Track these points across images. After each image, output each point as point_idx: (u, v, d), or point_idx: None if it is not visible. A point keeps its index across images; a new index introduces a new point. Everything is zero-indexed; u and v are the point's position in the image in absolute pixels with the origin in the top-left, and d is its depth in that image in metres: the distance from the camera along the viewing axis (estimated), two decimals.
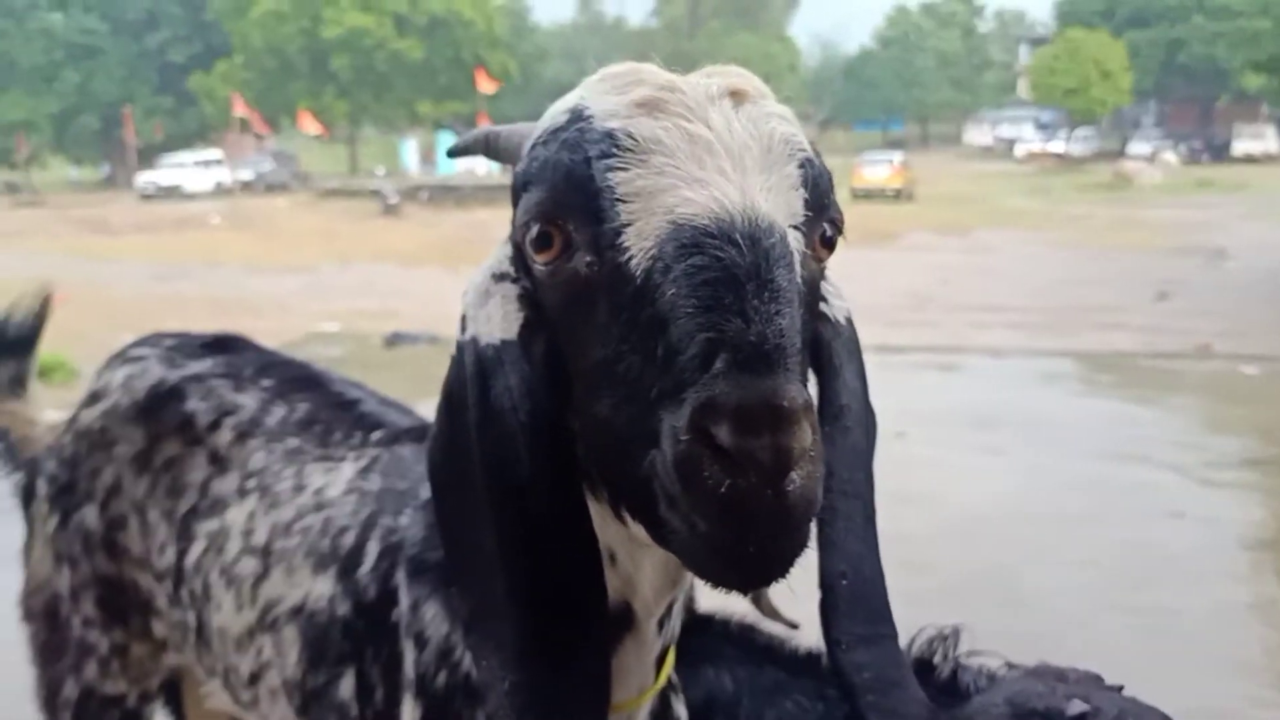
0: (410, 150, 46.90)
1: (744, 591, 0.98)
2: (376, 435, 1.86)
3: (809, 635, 2.19)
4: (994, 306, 14.35)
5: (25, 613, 2.23)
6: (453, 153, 1.36)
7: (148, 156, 47.18)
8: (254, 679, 1.80)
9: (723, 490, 0.82)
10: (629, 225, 0.95)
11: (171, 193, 40.14)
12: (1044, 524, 5.85)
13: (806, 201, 1.01)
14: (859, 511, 1.15)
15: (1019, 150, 52.47)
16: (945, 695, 2.01)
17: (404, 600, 1.50)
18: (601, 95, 1.03)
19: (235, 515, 1.87)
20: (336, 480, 1.79)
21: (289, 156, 47.79)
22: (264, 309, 14.14)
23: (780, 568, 0.92)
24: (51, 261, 17.53)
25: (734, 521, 0.84)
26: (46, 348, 2.49)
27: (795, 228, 0.99)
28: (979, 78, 68.28)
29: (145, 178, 41.66)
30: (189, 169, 42.25)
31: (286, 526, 1.79)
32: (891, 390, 9.51)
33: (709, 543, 0.87)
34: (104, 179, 52.29)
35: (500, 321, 1.12)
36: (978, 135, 66.45)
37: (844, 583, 1.13)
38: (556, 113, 1.08)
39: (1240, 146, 48.79)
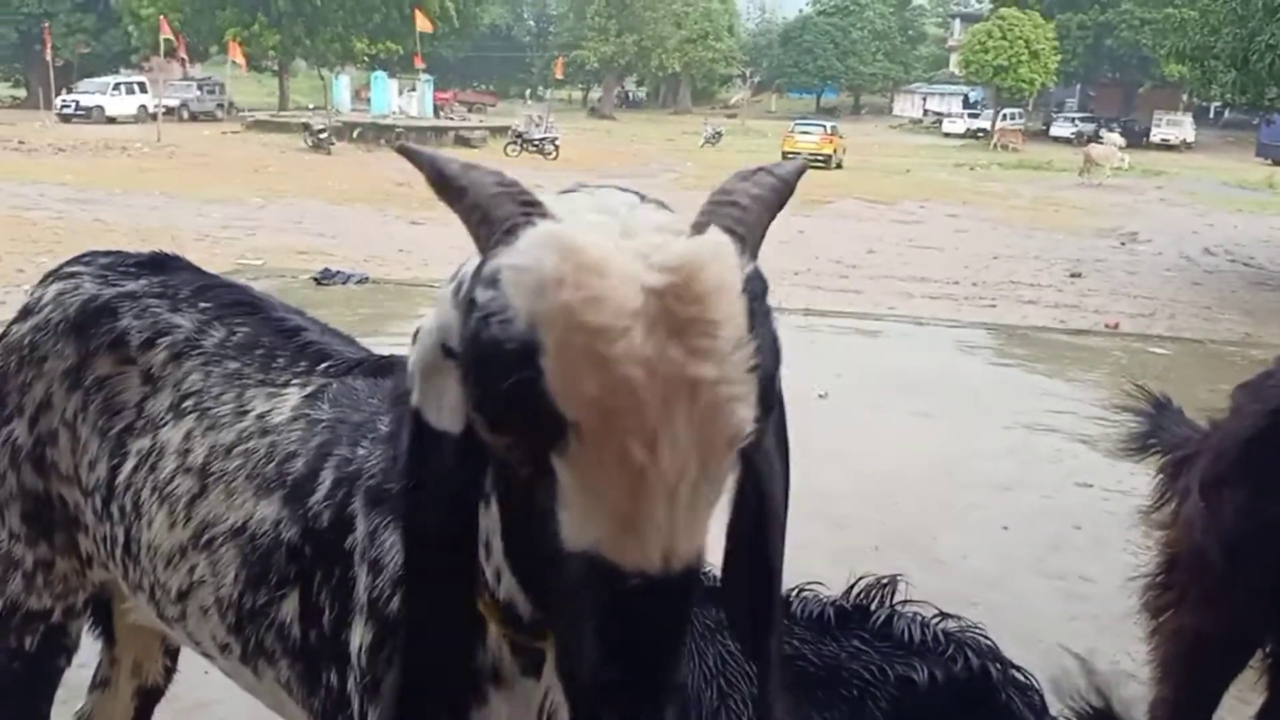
0: (343, 87, 45.88)
1: None
2: (324, 365, 1.86)
3: None
4: (917, 277, 14.63)
5: None
6: (400, 150, 1.20)
7: (67, 77, 45.52)
8: (183, 595, 1.82)
9: None
10: (565, 507, 0.95)
11: (92, 115, 38.92)
12: (961, 487, 6.05)
13: (737, 452, 0.99)
14: (779, 567, 1.22)
15: (957, 128, 53.16)
16: (880, 640, 2.14)
17: (360, 528, 1.53)
18: (561, 345, 0.91)
19: (171, 434, 1.87)
20: (281, 406, 1.79)
21: (216, 85, 46.54)
22: (188, 240, 13.83)
23: None
24: None
25: None
26: None
27: (717, 500, 1.02)
28: (912, 51, 68.79)
29: (65, 98, 40.30)
30: (111, 92, 40.98)
31: (227, 449, 1.79)
32: (816, 353, 9.59)
33: None
34: (21, 98, 50.32)
35: (448, 413, 1.10)
36: (908, 108, 67.14)
37: (774, 653, 1.26)
38: (510, 298, 0.94)
39: (1159, 133, 50.06)
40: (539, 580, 1.07)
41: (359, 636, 1.51)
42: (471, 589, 1.20)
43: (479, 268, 1.00)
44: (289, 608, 1.66)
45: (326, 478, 1.63)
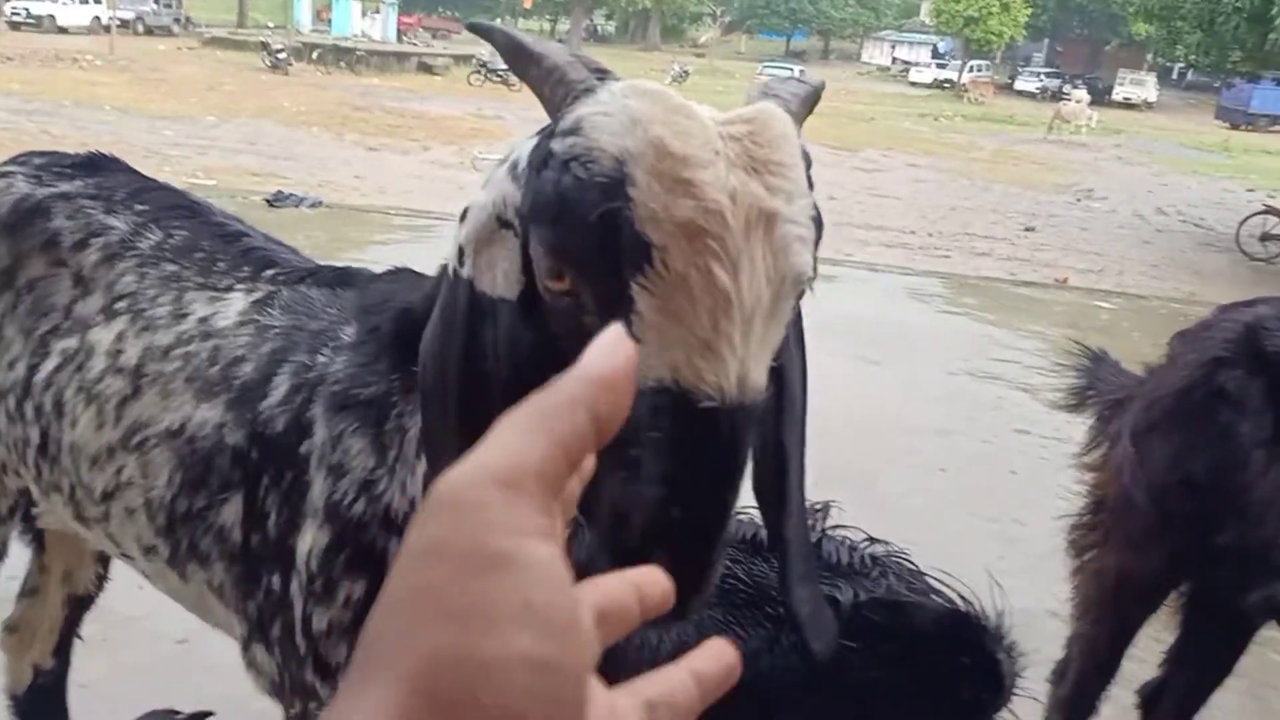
0: (304, 7, 44.80)
1: None
2: (271, 272, 1.84)
3: None
4: (875, 225, 14.70)
5: None
6: (471, 27, 1.29)
7: None
8: (108, 496, 1.81)
9: None
10: (639, 341, 0.96)
11: (43, 24, 37.86)
12: (903, 431, 6.14)
13: (794, 313, 1.06)
14: (800, 475, 1.28)
15: (924, 78, 53.32)
16: None
17: (320, 433, 1.54)
18: (650, 174, 0.97)
19: (101, 335, 1.84)
20: (226, 311, 1.77)
21: None
22: (139, 156, 13.52)
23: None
24: None
25: None
26: None
27: (776, 348, 1.04)
28: None
29: (15, 5, 39.10)
30: (64, 1, 39.85)
31: (164, 350, 1.77)
32: None
33: None
34: None
35: (502, 280, 1.13)
36: (877, 55, 66.93)
37: (795, 540, 1.29)
38: (594, 140, 1.00)
39: (1121, 92, 50.33)
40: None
41: (310, 540, 1.52)
42: None
43: (553, 126, 1.06)
44: (230, 512, 1.66)
45: (281, 383, 1.62)
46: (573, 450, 0.51)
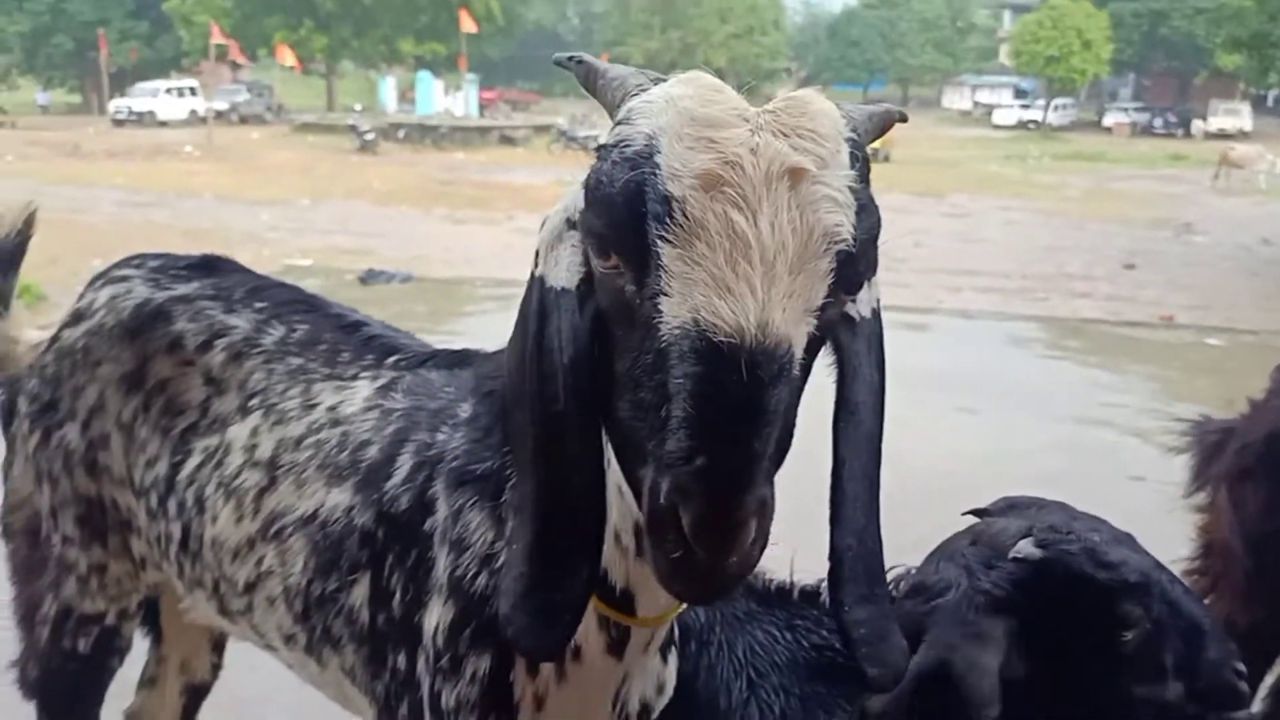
0: (389, 88, 46.25)
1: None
2: (394, 359, 1.89)
3: (781, 569, 2.29)
4: (966, 270, 14.47)
5: (5, 530, 2.27)
6: (555, 61, 1.43)
7: (121, 82, 46.33)
8: (250, 588, 1.85)
9: (674, 555, 1.02)
10: (666, 294, 1.04)
11: (145, 119, 39.63)
12: (1013, 484, 5.92)
13: (833, 283, 1.09)
14: (865, 491, 1.29)
15: (1007, 119, 52.85)
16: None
17: (442, 509, 1.56)
18: (676, 139, 1.07)
19: (237, 431, 1.90)
20: (352, 398, 1.82)
21: (265, 88, 47.15)
22: (238, 241, 13.99)
23: (719, 599, 1.42)
24: (21, 185, 17.20)
25: (679, 576, 1.05)
26: None
27: (812, 312, 1.08)
28: (961, 42, 67.96)
29: (119, 103, 41.06)
30: (163, 96, 41.69)
31: (296, 441, 1.82)
32: None
33: (659, 567, 1.07)
34: (76, 104, 51.24)
35: (564, 271, 1.23)
36: (957, 100, 66.49)
37: (850, 553, 1.28)
38: (635, 125, 1.11)
39: (1216, 122, 49.17)
40: (640, 421, 1.09)
41: (436, 616, 1.54)
42: (600, 454, 1.24)
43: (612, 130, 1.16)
44: (359, 593, 1.68)
45: (404, 462, 1.66)
46: None
